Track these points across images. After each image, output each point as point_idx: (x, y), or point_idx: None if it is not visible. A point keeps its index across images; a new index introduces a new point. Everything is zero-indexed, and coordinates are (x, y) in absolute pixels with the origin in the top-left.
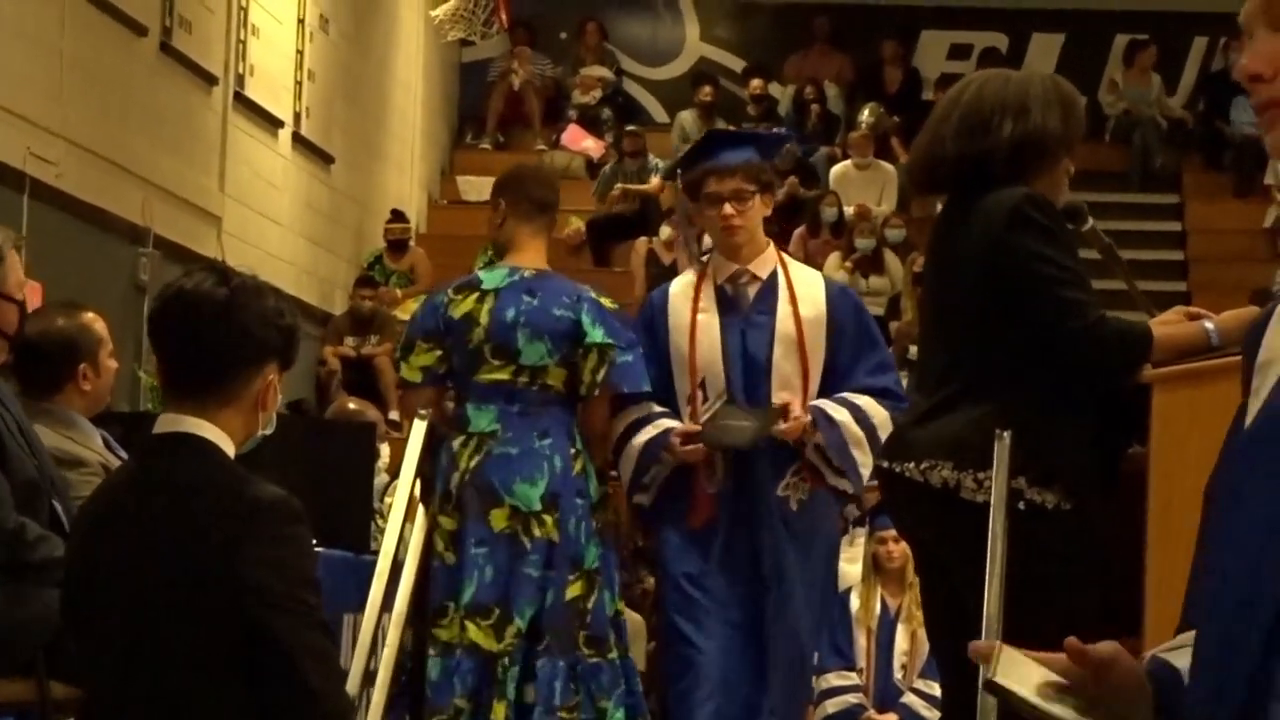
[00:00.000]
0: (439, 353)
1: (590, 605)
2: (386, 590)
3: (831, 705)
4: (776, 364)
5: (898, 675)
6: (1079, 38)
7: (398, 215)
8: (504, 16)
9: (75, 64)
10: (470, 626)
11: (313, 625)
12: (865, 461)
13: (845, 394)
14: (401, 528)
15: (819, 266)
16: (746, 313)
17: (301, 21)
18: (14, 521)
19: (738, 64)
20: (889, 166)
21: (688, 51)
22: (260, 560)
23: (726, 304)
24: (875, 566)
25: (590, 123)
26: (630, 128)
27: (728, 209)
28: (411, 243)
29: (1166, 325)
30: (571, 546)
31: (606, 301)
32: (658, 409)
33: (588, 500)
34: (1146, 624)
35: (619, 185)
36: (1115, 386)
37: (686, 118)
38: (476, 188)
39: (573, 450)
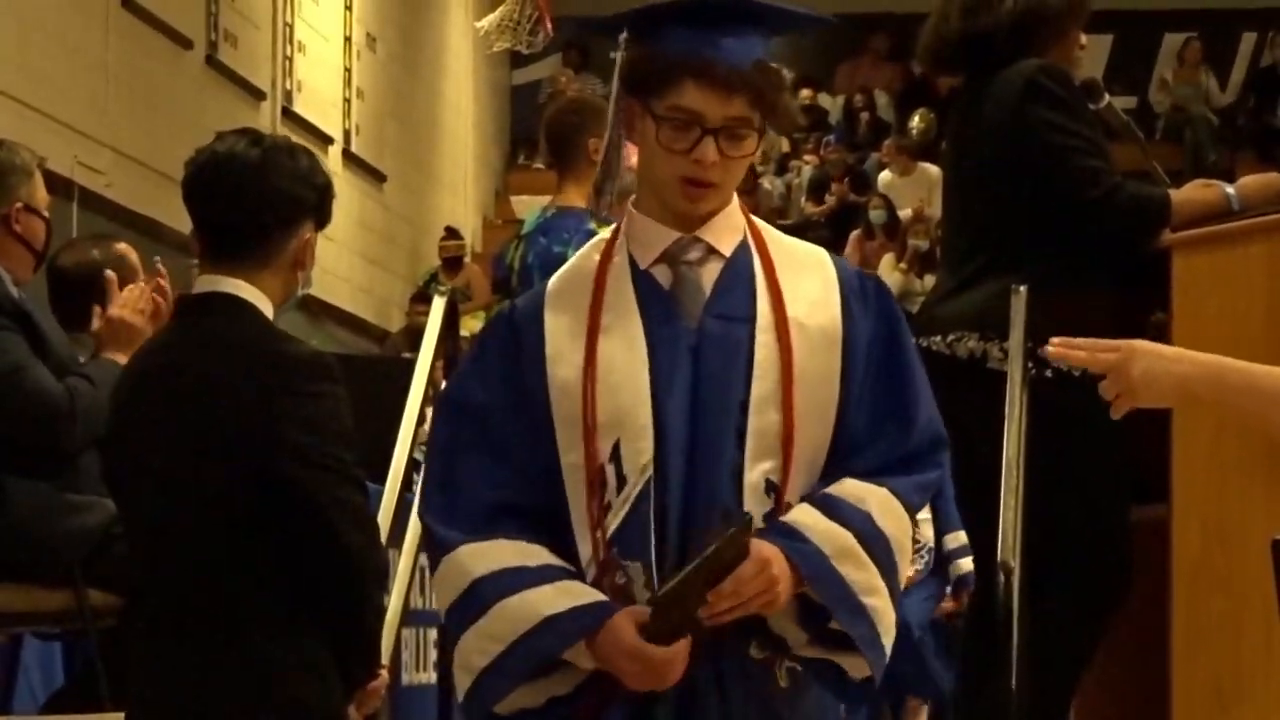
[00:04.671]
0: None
1: None
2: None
3: None
4: (756, 411)
5: None
6: (1127, 38)
7: (451, 233)
8: (548, 24)
9: (120, 75)
10: None
11: (346, 481)
12: (884, 610)
13: (843, 490)
14: (417, 426)
15: (874, 269)
16: (698, 316)
17: (348, 39)
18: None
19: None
20: (933, 169)
21: None
22: (294, 416)
23: (658, 303)
24: None
25: None
26: None
27: (709, 151)
28: (467, 259)
29: (1185, 191)
30: None
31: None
32: (538, 556)
33: None
34: (1174, 490)
35: None
36: (1136, 252)
37: None
38: (531, 207)
39: None
